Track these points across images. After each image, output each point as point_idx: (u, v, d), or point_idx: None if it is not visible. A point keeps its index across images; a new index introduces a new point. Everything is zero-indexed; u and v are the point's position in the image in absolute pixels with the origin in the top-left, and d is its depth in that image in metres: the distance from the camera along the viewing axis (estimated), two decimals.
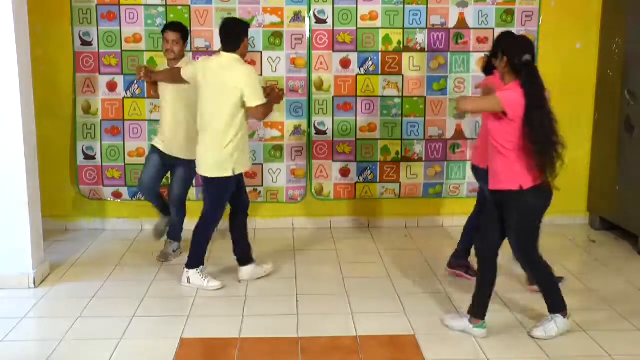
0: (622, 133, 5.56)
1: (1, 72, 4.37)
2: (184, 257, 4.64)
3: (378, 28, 5.73)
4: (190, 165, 4.80)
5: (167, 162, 4.98)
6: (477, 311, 3.85)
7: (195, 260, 4.54)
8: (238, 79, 4.28)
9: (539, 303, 4.32)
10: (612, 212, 5.78)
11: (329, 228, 6.03)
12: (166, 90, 4.87)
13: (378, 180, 5.96)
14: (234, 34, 4.35)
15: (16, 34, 4.36)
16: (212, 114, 4.34)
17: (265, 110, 4.41)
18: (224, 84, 4.29)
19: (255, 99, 4.29)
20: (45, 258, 4.81)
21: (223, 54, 4.38)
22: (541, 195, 3.73)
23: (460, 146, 5.91)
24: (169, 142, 4.92)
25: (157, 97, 5.13)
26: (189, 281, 4.53)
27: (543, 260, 3.87)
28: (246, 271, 4.69)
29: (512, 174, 3.66)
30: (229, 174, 4.38)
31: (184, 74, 4.55)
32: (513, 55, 3.60)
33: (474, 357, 3.62)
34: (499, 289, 4.52)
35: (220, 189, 4.46)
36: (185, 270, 4.56)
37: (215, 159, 4.37)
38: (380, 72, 5.79)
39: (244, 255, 4.71)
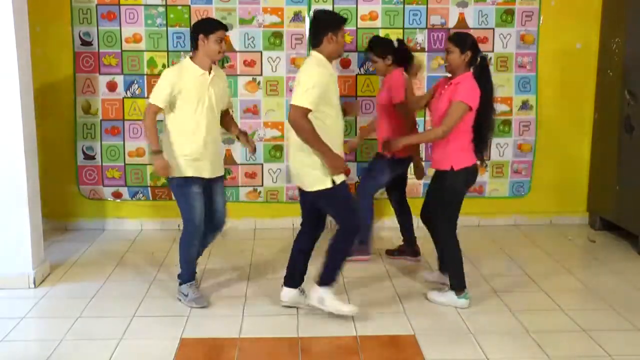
0: (622, 133, 5.56)
1: (1, 72, 4.37)
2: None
3: (378, 28, 5.73)
4: None
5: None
6: (458, 283, 4.25)
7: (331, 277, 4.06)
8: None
9: (540, 303, 4.33)
10: (612, 212, 5.78)
11: (328, 228, 6.02)
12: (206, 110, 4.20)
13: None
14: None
15: (16, 34, 4.36)
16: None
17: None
18: None
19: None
20: (45, 258, 4.81)
21: None
22: (471, 174, 4.22)
23: None
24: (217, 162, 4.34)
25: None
26: (322, 303, 4.04)
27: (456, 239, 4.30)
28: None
29: (447, 156, 4.16)
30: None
31: None
32: (477, 51, 4.16)
33: (474, 357, 3.61)
34: (499, 288, 4.54)
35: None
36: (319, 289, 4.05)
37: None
38: None
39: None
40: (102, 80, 5.72)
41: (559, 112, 6.00)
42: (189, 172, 4.13)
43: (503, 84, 5.85)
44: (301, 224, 4.24)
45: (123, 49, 5.68)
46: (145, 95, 5.70)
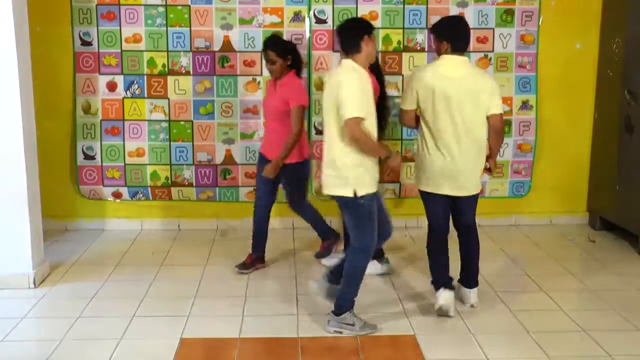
0: (622, 133, 5.56)
1: (1, 72, 4.37)
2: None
3: (378, 28, 5.72)
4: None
5: None
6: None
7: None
8: None
9: (540, 303, 4.33)
10: (612, 212, 5.78)
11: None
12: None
13: (378, 181, 5.94)
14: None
15: (16, 34, 4.36)
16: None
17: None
18: None
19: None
20: (45, 258, 4.81)
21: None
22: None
23: None
24: None
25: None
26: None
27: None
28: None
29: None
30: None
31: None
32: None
33: (474, 357, 3.61)
34: (499, 288, 4.54)
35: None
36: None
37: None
38: None
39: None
40: (102, 80, 5.72)
41: (559, 112, 6.01)
42: (374, 188, 3.87)
43: (503, 83, 5.84)
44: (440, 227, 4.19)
45: (123, 49, 5.67)
46: (145, 95, 5.71)
